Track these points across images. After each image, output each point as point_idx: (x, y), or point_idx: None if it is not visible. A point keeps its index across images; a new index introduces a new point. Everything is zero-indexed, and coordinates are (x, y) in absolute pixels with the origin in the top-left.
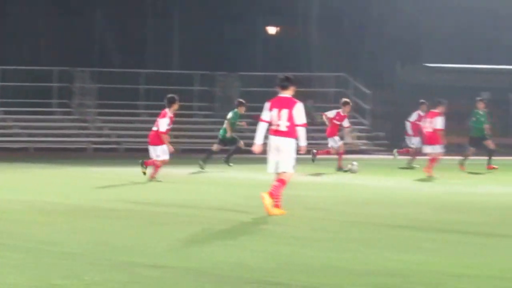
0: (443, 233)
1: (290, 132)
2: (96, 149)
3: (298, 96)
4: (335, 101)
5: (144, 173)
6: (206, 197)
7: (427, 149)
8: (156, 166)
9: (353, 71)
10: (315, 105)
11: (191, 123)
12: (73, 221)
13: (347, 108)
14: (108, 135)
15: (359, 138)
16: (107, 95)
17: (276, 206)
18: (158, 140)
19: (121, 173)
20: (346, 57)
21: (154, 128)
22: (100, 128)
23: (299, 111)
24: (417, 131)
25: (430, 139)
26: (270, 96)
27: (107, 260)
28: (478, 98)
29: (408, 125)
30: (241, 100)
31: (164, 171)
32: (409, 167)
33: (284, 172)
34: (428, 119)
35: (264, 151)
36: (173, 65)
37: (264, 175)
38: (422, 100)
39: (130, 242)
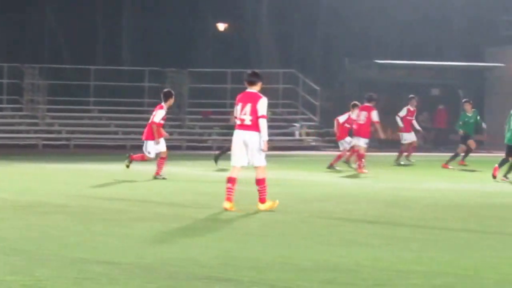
0: (393, 229)
1: (255, 126)
2: (46, 145)
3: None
4: (284, 97)
5: (127, 166)
6: (157, 193)
7: (359, 141)
8: (141, 158)
9: (303, 67)
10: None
11: (141, 120)
12: (24, 217)
13: (356, 111)
14: (58, 131)
15: (308, 134)
16: (57, 91)
17: (263, 200)
18: (150, 134)
19: (72, 169)
20: (296, 53)
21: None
22: (51, 124)
23: (262, 105)
24: (409, 126)
25: (358, 131)
26: (219, 92)
27: (58, 256)
28: (464, 100)
29: (399, 120)
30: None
31: (115, 168)
32: (409, 163)
33: (258, 168)
34: (362, 113)
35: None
36: (123, 61)
37: (216, 172)
38: (411, 95)
39: (81, 239)
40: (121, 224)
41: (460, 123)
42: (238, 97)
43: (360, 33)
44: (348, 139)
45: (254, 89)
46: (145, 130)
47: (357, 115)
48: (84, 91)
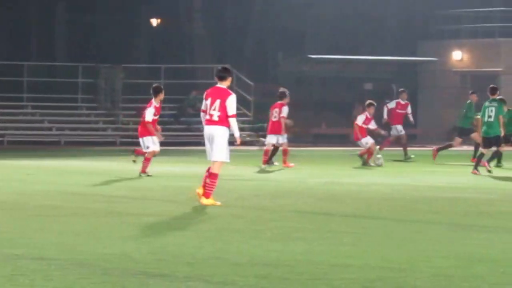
0: (327, 223)
1: (222, 121)
2: None
3: (182, 87)
4: None
5: (134, 161)
6: (91, 189)
7: (272, 139)
8: (146, 159)
9: (237, 62)
10: (199, 96)
11: (75, 116)
12: None
13: (371, 110)
14: None
15: (241, 129)
16: None
17: (208, 195)
18: (145, 131)
19: (5, 166)
20: (229, 49)
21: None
22: None
23: (231, 103)
24: (401, 118)
25: (273, 129)
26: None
27: None
28: (471, 92)
29: (385, 111)
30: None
31: (48, 164)
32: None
33: (215, 162)
34: (275, 110)
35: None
36: (56, 57)
37: (151, 167)
38: (401, 89)
39: (15, 235)
40: (56, 220)
41: (464, 110)
42: (207, 91)
43: (293, 28)
44: (364, 140)
45: (224, 84)
46: (139, 128)
47: (270, 113)
48: (17, 87)
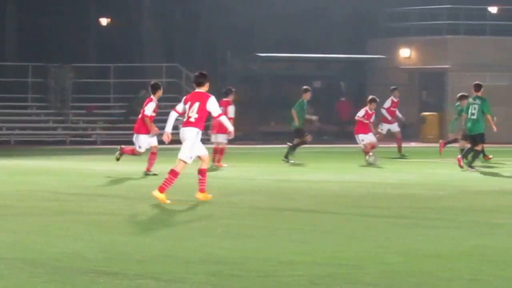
0: (277, 220)
1: (197, 123)
2: None
3: (132, 86)
4: (167, 91)
5: (117, 159)
6: (40, 188)
7: (216, 138)
8: (132, 152)
9: (186, 61)
10: (149, 95)
11: (25, 115)
12: None
13: (373, 106)
14: None
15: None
16: None
17: (162, 189)
18: (141, 128)
19: None
20: (179, 47)
21: (140, 115)
22: None
23: (213, 105)
24: (393, 116)
25: (221, 128)
26: (103, 87)
27: None
28: (467, 95)
29: (384, 112)
30: (306, 87)
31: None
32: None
33: (180, 160)
34: (221, 108)
35: (176, 140)
36: (6, 57)
37: (100, 166)
38: (393, 87)
39: None
40: (7, 219)
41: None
42: (187, 97)
43: (242, 26)
44: (361, 135)
45: (202, 89)
46: (136, 124)
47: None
48: None
